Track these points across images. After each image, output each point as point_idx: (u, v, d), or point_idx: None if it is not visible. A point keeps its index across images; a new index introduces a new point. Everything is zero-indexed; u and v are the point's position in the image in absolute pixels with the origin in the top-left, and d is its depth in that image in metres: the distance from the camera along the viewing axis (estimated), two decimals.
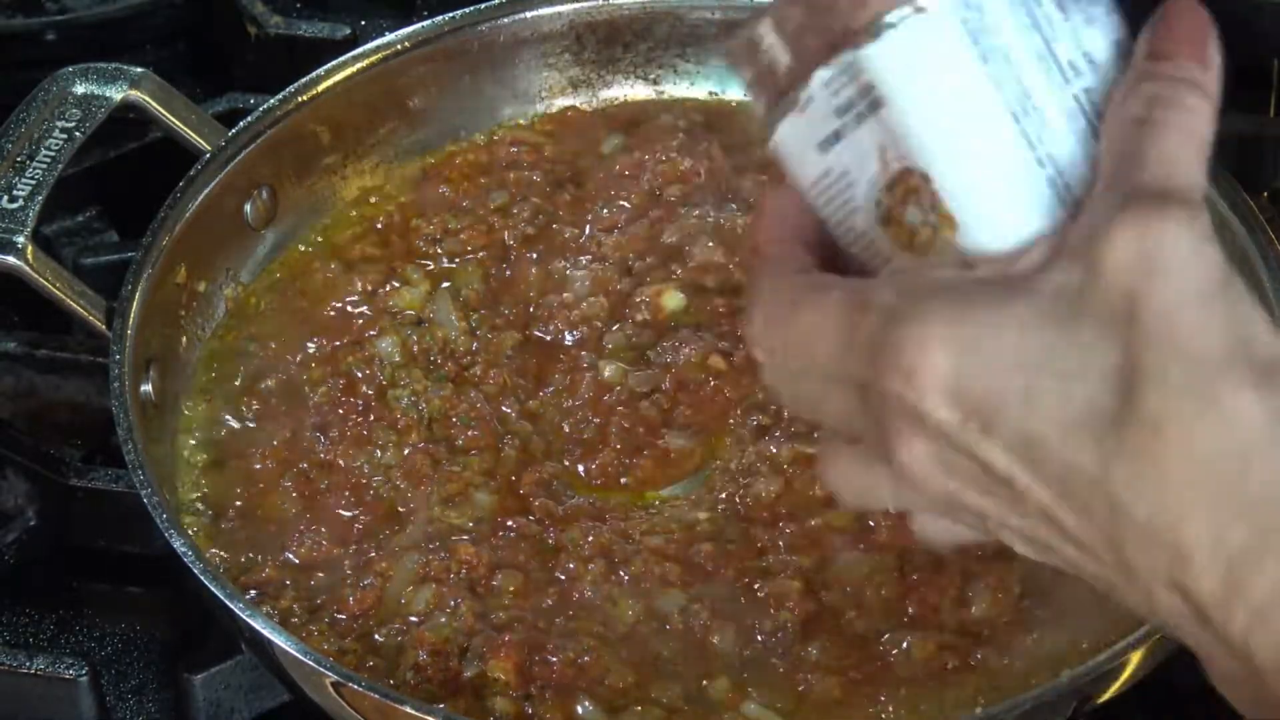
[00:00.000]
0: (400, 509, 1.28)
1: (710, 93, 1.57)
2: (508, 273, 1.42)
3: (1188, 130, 0.90)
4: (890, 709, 1.18)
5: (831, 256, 0.96)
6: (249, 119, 1.44)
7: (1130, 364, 0.85)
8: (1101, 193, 0.89)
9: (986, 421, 0.87)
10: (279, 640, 1.15)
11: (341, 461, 1.31)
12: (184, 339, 1.38)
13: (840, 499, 0.98)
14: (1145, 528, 0.86)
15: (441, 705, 1.17)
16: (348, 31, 1.66)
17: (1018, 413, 0.87)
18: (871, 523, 1.26)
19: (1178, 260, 0.86)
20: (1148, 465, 0.85)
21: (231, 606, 1.16)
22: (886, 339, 0.88)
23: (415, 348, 1.37)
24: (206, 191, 1.40)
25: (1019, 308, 0.87)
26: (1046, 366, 0.86)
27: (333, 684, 1.14)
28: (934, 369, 0.87)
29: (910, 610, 1.22)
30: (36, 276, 1.33)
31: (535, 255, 1.43)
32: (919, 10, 0.89)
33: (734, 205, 1.46)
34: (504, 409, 1.34)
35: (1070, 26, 0.91)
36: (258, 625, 1.15)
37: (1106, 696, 1.16)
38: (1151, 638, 1.15)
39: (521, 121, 1.54)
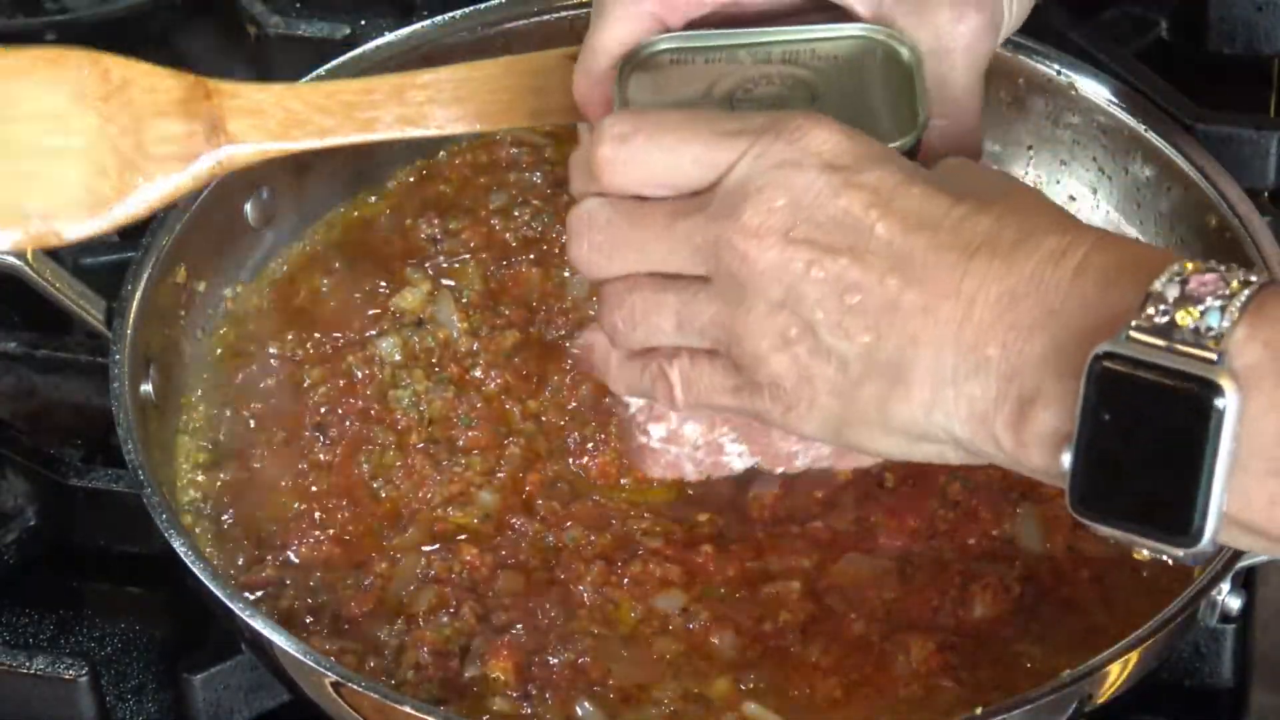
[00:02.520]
0: (401, 510, 1.29)
1: None
2: (508, 273, 1.42)
3: None
4: (890, 709, 1.18)
5: None
6: None
7: None
8: None
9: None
10: (279, 640, 1.15)
11: (342, 462, 1.31)
12: (184, 339, 1.38)
13: (678, 399, 1.12)
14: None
15: (442, 705, 1.17)
16: (348, 31, 1.65)
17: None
18: (872, 524, 1.26)
19: None
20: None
21: (231, 606, 1.16)
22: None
23: (417, 348, 1.37)
24: (206, 191, 1.39)
25: None
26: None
27: (333, 684, 1.14)
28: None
29: (910, 611, 1.22)
30: (36, 276, 1.33)
31: (535, 257, 1.43)
32: None
33: None
34: (505, 409, 1.34)
35: None
36: (258, 625, 1.15)
37: (1106, 696, 1.16)
38: (1152, 638, 1.15)
39: None
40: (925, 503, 1.27)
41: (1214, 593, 1.19)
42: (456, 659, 1.20)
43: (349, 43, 1.63)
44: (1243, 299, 0.95)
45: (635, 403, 1.21)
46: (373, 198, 1.49)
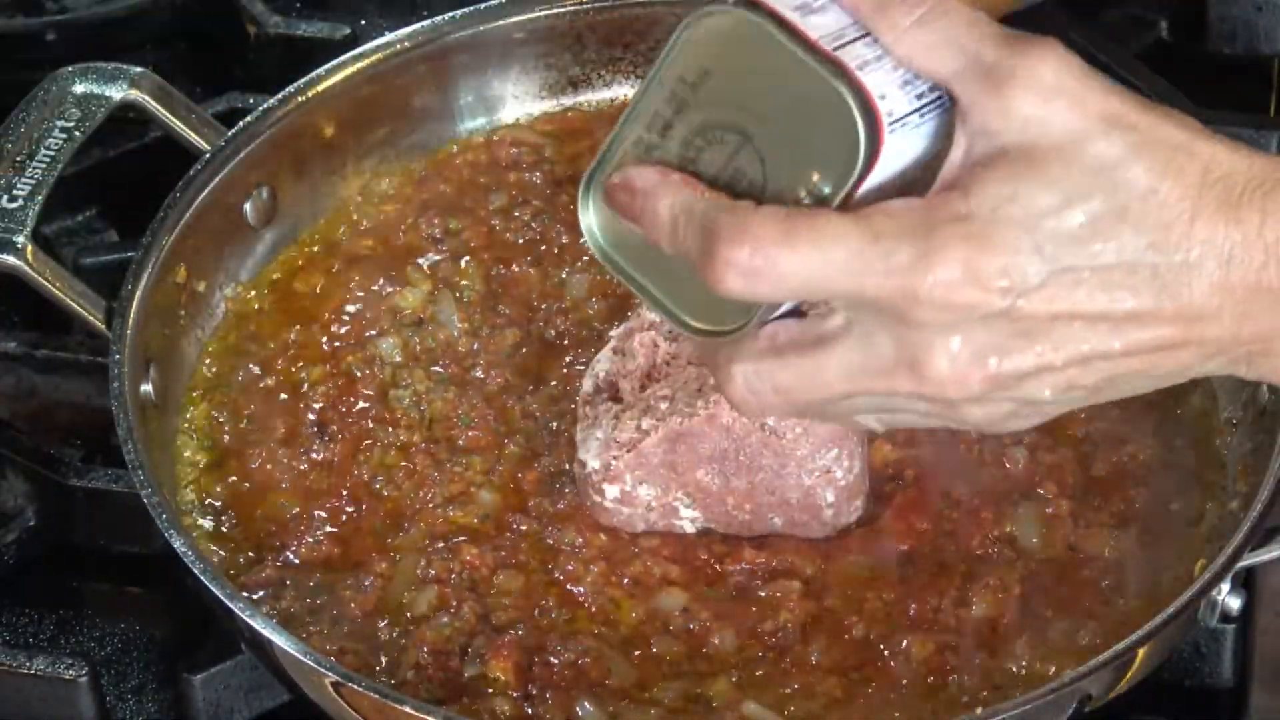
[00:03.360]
0: (401, 509, 1.28)
1: None
2: (508, 273, 1.42)
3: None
4: (890, 709, 1.18)
5: None
6: (249, 119, 1.43)
7: None
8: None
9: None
10: (279, 640, 1.15)
11: (342, 462, 1.31)
12: (184, 339, 1.38)
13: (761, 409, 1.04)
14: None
15: (442, 705, 1.17)
16: (348, 31, 1.65)
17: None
18: (874, 524, 1.26)
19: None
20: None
21: (231, 606, 1.16)
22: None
23: (417, 348, 1.37)
24: (206, 191, 1.40)
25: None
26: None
27: (333, 684, 1.14)
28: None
29: (910, 611, 1.22)
30: (36, 276, 1.33)
31: (535, 257, 1.43)
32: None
33: None
34: (506, 409, 1.34)
35: None
36: (258, 625, 1.15)
37: (1106, 696, 1.16)
38: (1152, 638, 1.15)
39: (522, 121, 1.54)
40: (928, 503, 1.27)
41: (1214, 593, 1.19)
42: (456, 659, 1.20)
43: (349, 43, 1.63)
44: None
45: (592, 464, 1.23)
46: (373, 198, 1.49)
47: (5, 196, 1.35)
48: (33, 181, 1.36)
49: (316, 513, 1.29)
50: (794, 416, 1.14)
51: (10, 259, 1.33)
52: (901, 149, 1.00)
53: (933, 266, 0.96)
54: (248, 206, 1.44)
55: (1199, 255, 0.97)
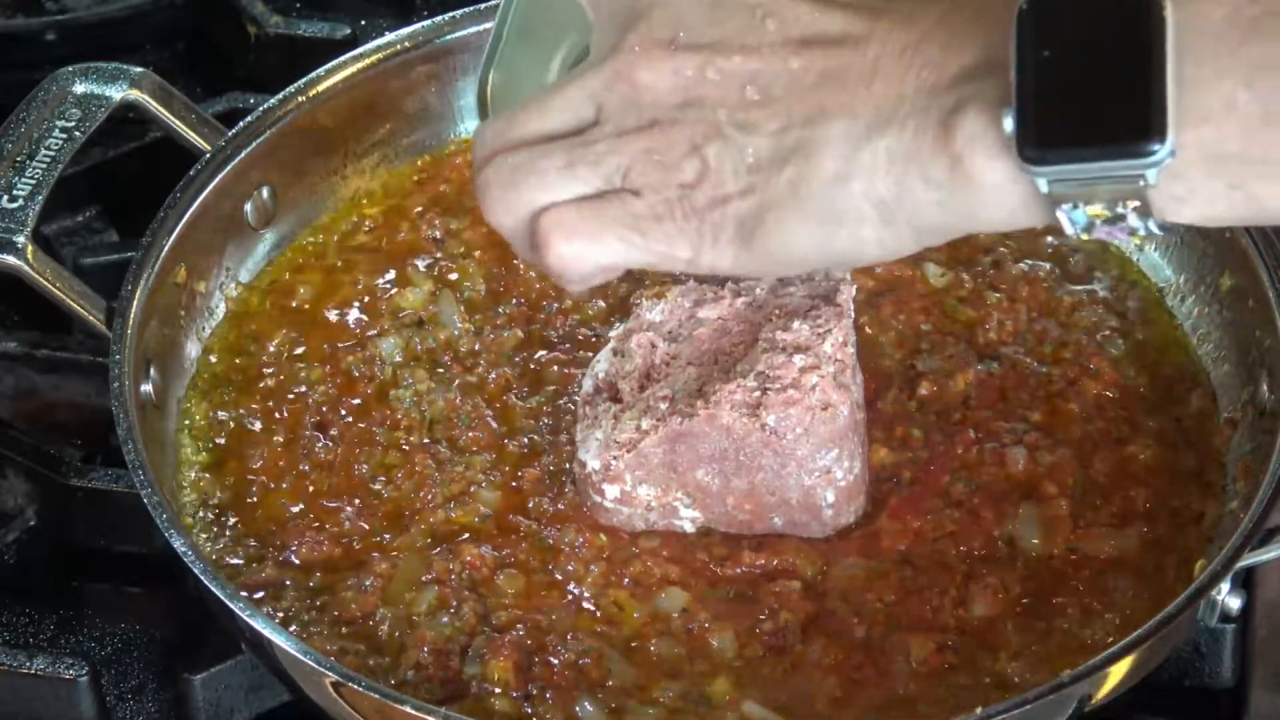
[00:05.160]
0: (402, 509, 1.28)
1: None
2: (509, 274, 1.42)
3: None
4: (890, 709, 1.18)
5: None
6: (249, 119, 1.43)
7: None
8: None
9: None
10: (279, 640, 1.15)
11: (342, 462, 1.31)
12: (184, 339, 1.38)
13: (572, 272, 1.09)
14: None
15: (442, 705, 1.17)
16: (348, 31, 1.66)
17: None
18: (874, 524, 1.26)
19: None
20: None
21: (231, 606, 1.16)
22: None
23: (418, 348, 1.37)
24: (206, 191, 1.40)
25: None
26: None
27: (333, 684, 1.14)
28: None
29: (910, 611, 1.22)
30: (36, 276, 1.33)
31: None
32: None
33: None
34: (507, 409, 1.34)
35: None
36: (258, 625, 1.15)
37: (1106, 696, 1.16)
38: (1152, 638, 1.15)
39: None
40: (928, 503, 1.27)
41: (1214, 593, 1.19)
42: (456, 659, 1.20)
43: (349, 43, 1.63)
44: None
45: (592, 464, 1.23)
46: (373, 197, 1.49)
47: (5, 196, 1.35)
48: (33, 181, 1.37)
49: (316, 513, 1.29)
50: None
51: (10, 259, 1.33)
52: None
53: None
54: (248, 206, 1.44)
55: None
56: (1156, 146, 0.93)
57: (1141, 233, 0.97)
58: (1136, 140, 0.93)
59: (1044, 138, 0.95)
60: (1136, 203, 0.95)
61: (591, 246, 1.08)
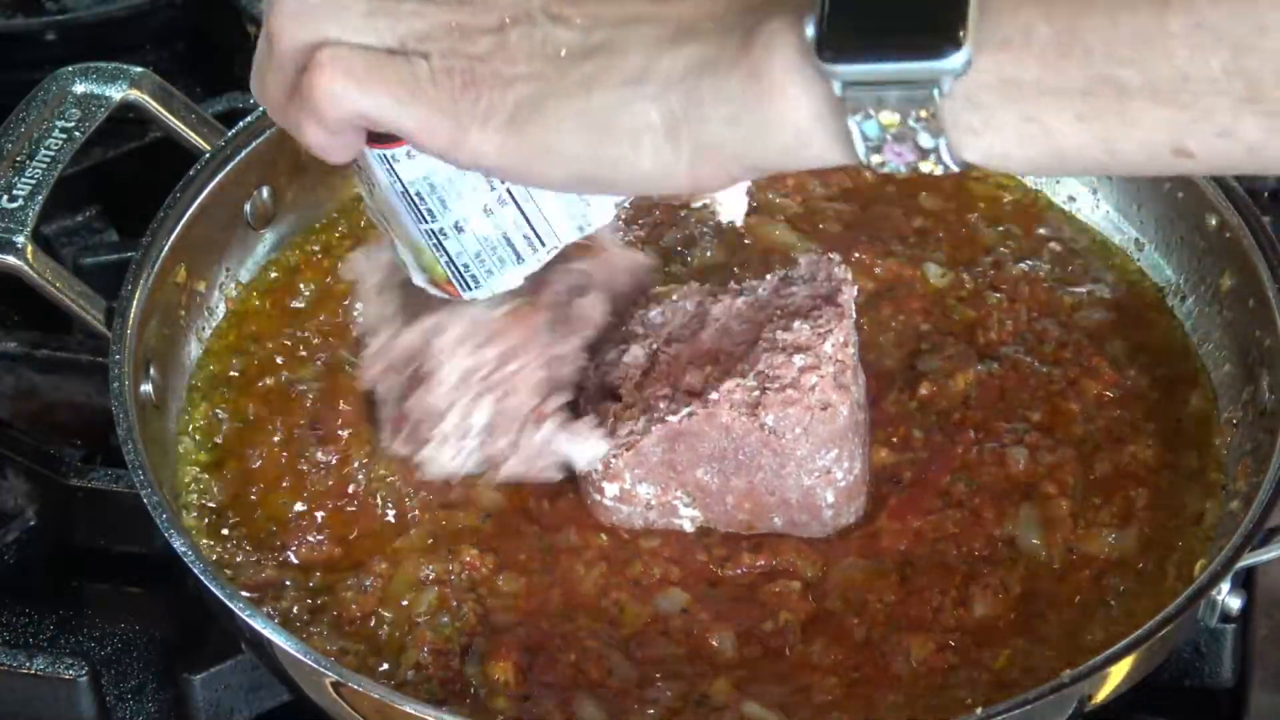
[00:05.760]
0: (402, 510, 1.28)
1: None
2: None
3: None
4: (890, 709, 1.18)
5: None
6: (249, 119, 1.43)
7: None
8: None
9: None
10: (279, 640, 1.15)
11: (342, 462, 1.31)
12: (184, 339, 1.38)
13: (327, 112, 1.04)
14: None
15: (442, 705, 1.17)
16: None
17: None
18: (874, 524, 1.26)
19: None
20: None
21: (231, 606, 1.16)
22: None
23: None
24: (206, 191, 1.40)
25: None
26: None
27: (332, 684, 1.14)
28: None
29: (910, 611, 1.22)
30: (36, 276, 1.33)
31: None
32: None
33: None
34: None
35: None
36: (258, 625, 1.15)
37: (1106, 696, 1.16)
38: (1152, 638, 1.15)
39: None
40: (927, 503, 1.27)
41: (1214, 593, 1.19)
42: (457, 659, 1.20)
43: None
44: None
45: (590, 461, 1.23)
46: None
47: (5, 196, 1.35)
48: (33, 181, 1.37)
49: (317, 513, 1.28)
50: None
51: (10, 259, 1.33)
52: None
53: None
54: (248, 206, 1.44)
55: None
56: (951, 50, 0.92)
57: (932, 161, 0.96)
58: (934, 41, 0.93)
59: (842, 38, 0.94)
60: (928, 115, 0.94)
61: (357, 93, 1.03)
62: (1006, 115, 0.94)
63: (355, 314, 1.29)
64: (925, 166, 0.96)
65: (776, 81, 0.97)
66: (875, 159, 0.96)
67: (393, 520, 1.28)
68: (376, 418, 1.28)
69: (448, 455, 1.22)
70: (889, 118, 0.95)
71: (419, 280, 1.19)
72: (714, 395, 1.22)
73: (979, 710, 1.13)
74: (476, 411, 1.22)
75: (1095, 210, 1.46)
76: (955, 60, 0.92)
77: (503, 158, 1.02)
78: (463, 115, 1.02)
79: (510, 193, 1.13)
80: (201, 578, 1.17)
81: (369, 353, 1.25)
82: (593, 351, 1.27)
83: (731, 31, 0.98)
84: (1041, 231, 1.46)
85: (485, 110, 1.01)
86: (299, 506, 1.29)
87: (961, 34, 0.92)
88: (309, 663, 1.14)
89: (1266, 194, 1.51)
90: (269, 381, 1.36)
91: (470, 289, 1.17)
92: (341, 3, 1.04)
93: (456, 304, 1.20)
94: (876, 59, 0.94)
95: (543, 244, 1.15)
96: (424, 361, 1.22)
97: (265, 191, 1.44)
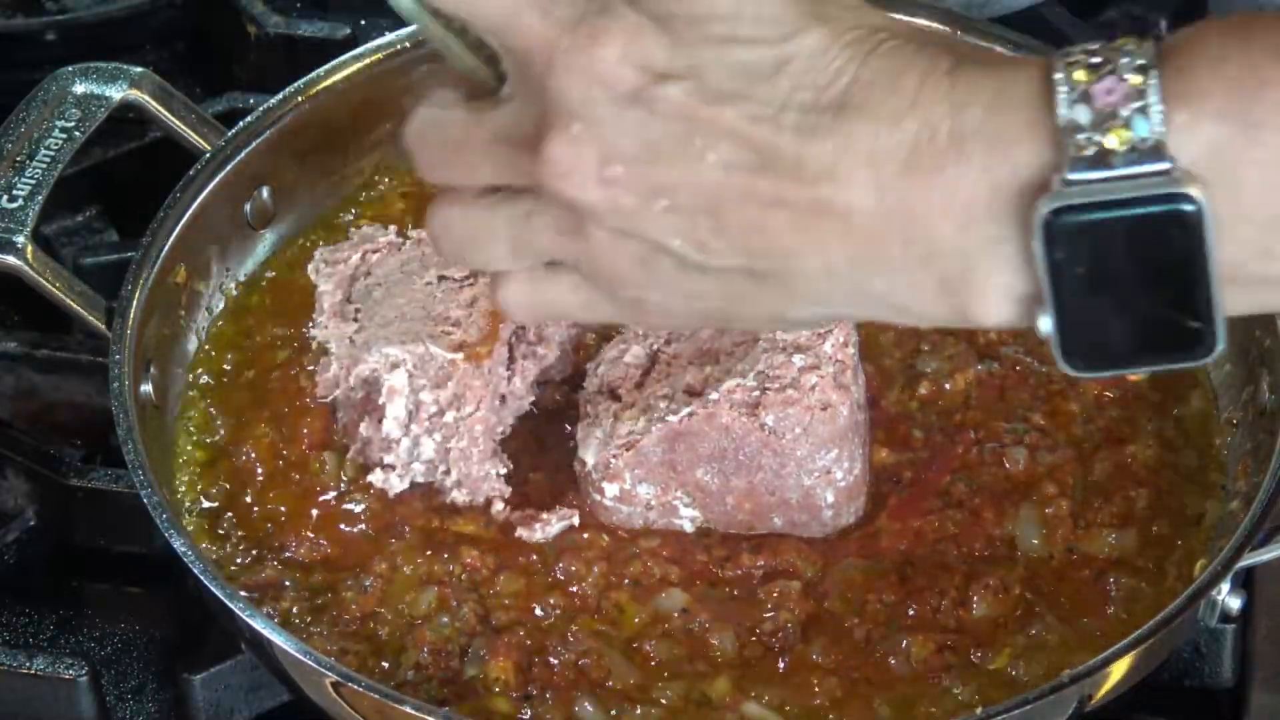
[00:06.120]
0: (403, 509, 1.28)
1: None
2: None
3: None
4: (890, 709, 1.18)
5: None
6: (249, 119, 1.43)
7: None
8: None
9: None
10: (279, 640, 1.15)
11: (343, 461, 1.31)
12: (183, 339, 1.38)
13: (518, 317, 1.12)
14: None
15: (442, 706, 1.17)
16: (348, 31, 1.65)
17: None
18: (874, 524, 1.26)
19: None
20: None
21: (231, 606, 1.16)
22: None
23: None
24: (206, 191, 1.39)
25: None
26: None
27: (332, 684, 1.14)
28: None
29: (910, 611, 1.22)
30: (36, 276, 1.33)
31: None
32: None
33: None
34: None
35: None
36: (258, 625, 1.15)
37: (1106, 696, 1.16)
38: (1151, 638, 1.15)
39: None
40: (927, 503, 1.27)
41: (1214, 593, 1.19)
42: (457, 659, 1.20)
43: (349, 43, 1.63)
44: (1154, 85, 0.88)
45: (591, 461, 1.23)
46: (373, 197, 1.49)
47: (5, 196, 1.35)
48: (33, 181, 1.36)
49: (317, 512, 1.28)
50: (446, 204, 1.04)
51: (10, 259, 1.33)
52: None
53: (589, 29, 0.94)
54: (248, 206, 1.44)
55: (853, 124, 0.92)
56: (1207, 354, 0.91)
57: None
58: (1185, 352, 0.91)
59: (1083, 353, 0.92)
60: None
61: (542, 312, 1.04)
62: None
63: (313, 324, 1.30)
64: None
65: (988, 323, 0.95)
66: None
67: (393, 520, 1.28)
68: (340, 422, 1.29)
69: (395, 478, 1.25)
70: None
71: None
72: (714, 395, 1.22)
73: (979, 710, 1.13)
74: (423, 447, 1.25)
75: None
76: (1210, 358, 0.92)
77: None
78: (651, 322, 1.09)
79: None
80: (201, 578, 1.17)
81: (326, 376, 1.27)
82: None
83: (923, 278, 0.93)
84: None
85: (674, 321, 1.03)
86: (299, 506, 1.29)
87: (1215, 338, 0.91)
88: (309, 663, 1.14)
89: None
90: (269, 380, 1.36)
91: None
92: (482, 246, 1.02)
93: (411, 338, 1.23)
94: (1126, 367, 0.94)
95: None
96: (376, 393, 1.24)
97: (265, 191, 1.44)
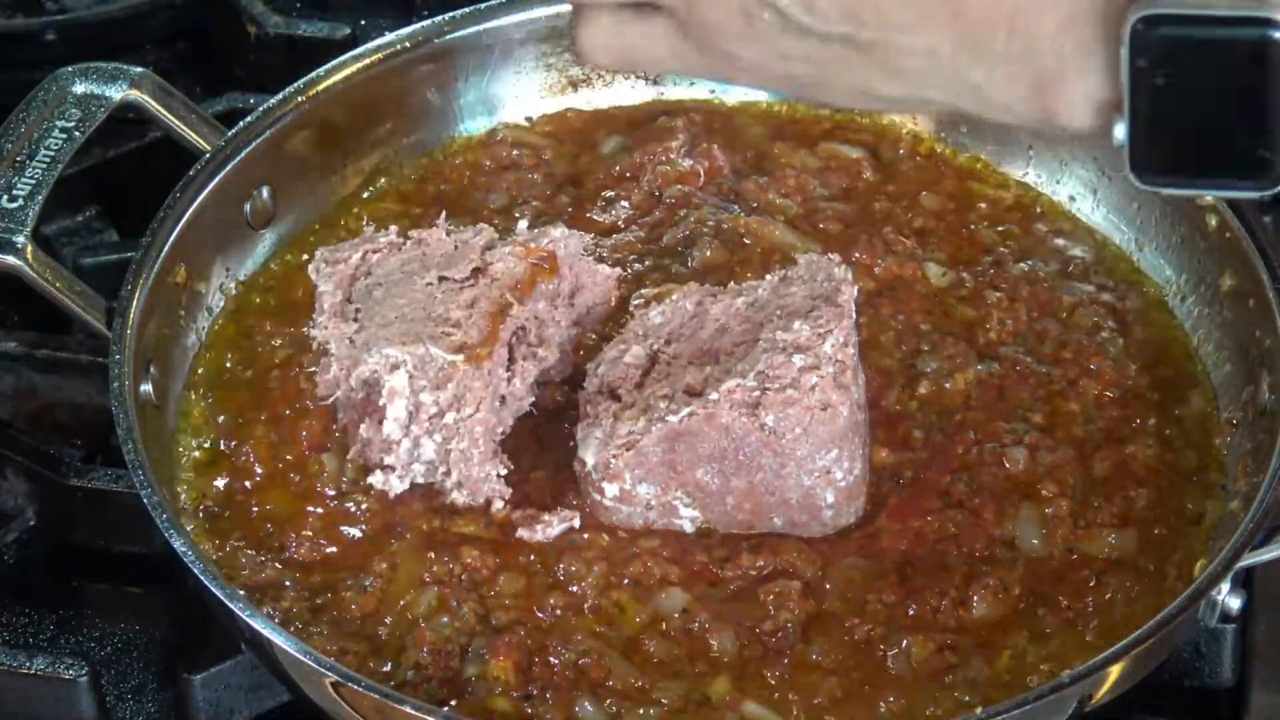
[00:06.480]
0: (402, 509, 1.28)
1: (710, 93, 1.57)
2: None
3: None
4: (890, 709, 1.18)
5: None
6: (249, 119, 1.44)
7: None
8: None
9: None
10: (279, 640, 1.15)
11: (342, 461, 1.31)
12: (183, 338, 1.38)
13: (597, 59, 1.09)
14: None
15: (442, 706, 1.17)
16: (348, 31, 1.66)
17: None
18: (874, 524, 1.26)
19: None
20: None
21: (231, 606, 1.16)
22: None
23: None
24: (206, 191, 1.40)
25: None
26: None
27: (332, 684, 1.14)
28: None
29: (910, 611, 1.22)
30: (36, 276, 1.33)
31: None
32: None
33: (734, 206, 1.46)
34: None
35: None
36: (258, 625, 1.15)
37: (1106, 696, 1.16)
38: (1151, 638, 1.15)
39: (522, 122, 1.54)
40: (927, 503, 1.27)
41: (1214, 593, 1.19)
42: (457, 659, 1.20)
43: (349, 43, 1.63)
44: None
45: (591, 461, 1.23)
46: (373, 197, 1.49)
47: (5, 196, 1.35)
48: (33, 181, 1.37)
49: (317, 512, 1.28)
50: None
51: (10, 259, 1.33)
52: None
53: None
54: (248, 206, 1.44)
55: None
56: (1269, 190, 0.94)
57: None
58: (1251, 177, 0.94)
59: (1153, 163, 0.95)
60: None
61: (623, 56, 1.08)
62: None
63: (313, 325, 1.29)
64: None
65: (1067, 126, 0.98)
66: None
67: (393, 520, 1.28)
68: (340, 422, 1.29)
69: (395, 479, 1.25)
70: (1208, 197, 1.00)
71: None
72: (714, 395, 1.22)
73: (979, 710, 1.13)
74: (423, 448, 1.24)
75: (1095, 210, 1.46)
76: (1272, 190, 0.94)
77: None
78: (738, 77, 1.06)
79: None
80: (201, 578, 1.17)
81: (326, 377, 1.26)
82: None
83: (1021, 71, 0.98)
84: (1041, 231, 1.46)
85: (761, 80, 1.05)
86: (299, 506, 1.29)
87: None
88: (309, 663, 1.14)
89: None
90: (269, 381, 1.36)
91: None
92: None
93: (411, 339, 1.23)
94: (1191, 186, 0.98)
95: None
96: (376, 394, 1.24)
97: (265, 191, 1.44)
